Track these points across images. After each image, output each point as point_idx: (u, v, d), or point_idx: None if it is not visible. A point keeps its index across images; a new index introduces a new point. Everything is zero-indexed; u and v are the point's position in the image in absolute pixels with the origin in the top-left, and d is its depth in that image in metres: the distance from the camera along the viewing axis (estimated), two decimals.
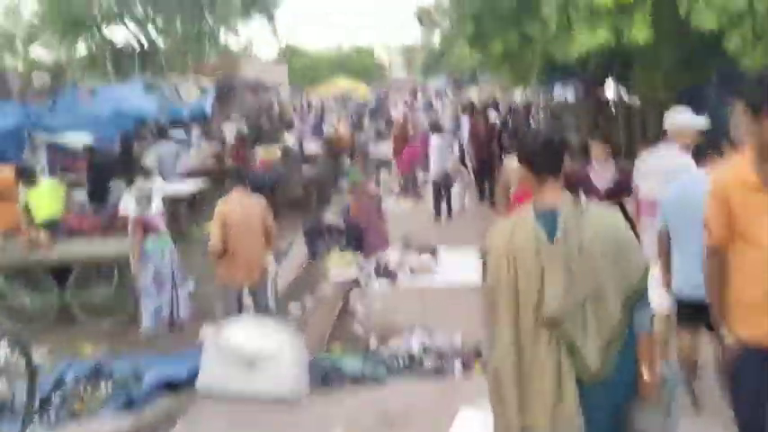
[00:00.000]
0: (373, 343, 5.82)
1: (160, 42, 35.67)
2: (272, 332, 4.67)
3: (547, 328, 2.18)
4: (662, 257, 4.10)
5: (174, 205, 10.77)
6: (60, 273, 7.02)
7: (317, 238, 9.16)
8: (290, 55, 51.19)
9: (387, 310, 6.99)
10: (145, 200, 6.49)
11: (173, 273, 6.56)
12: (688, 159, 4.15)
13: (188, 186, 11.21)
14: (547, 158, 2.30)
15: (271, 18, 37.93)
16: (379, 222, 9.12)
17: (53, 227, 7.95)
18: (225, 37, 38.42)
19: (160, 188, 11.01)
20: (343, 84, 36.31)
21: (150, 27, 35.77)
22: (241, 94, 32.83)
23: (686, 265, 3.79)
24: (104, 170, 10.35)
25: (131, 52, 32.28)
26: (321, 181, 12.21)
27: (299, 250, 9.49)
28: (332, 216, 9.82)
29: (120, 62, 32.87)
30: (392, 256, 8.62)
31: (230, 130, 19.67)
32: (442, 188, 11.18)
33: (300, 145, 13.68)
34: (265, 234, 5.74)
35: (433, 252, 8.58)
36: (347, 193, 10.76)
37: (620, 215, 2.42)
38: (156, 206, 8.71)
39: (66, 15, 31.79)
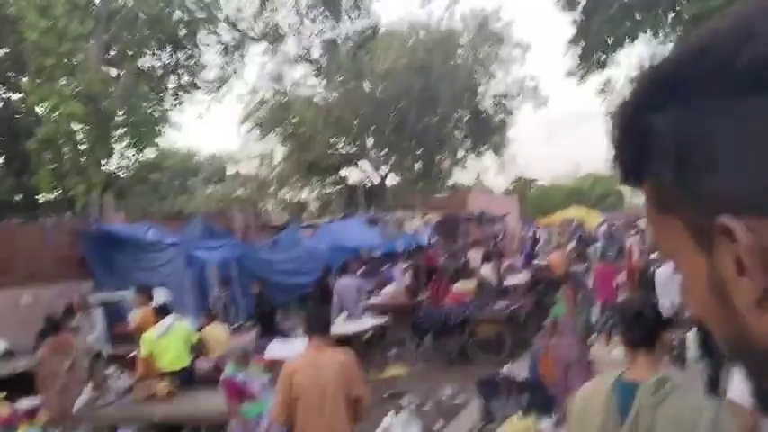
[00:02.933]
0: None
1: (390, 179, 37.05)
2: None
3: None
4: None
5: (348, 344, 9.60)
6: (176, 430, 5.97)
7: (495, 394, 7.21)
8: (521, 186, 50.48)
9: None
10: (241, 357, 5.22)
11: None
12: None
13: (363, 323, 9.99)
14: (639, 331, 2.15)
15: (499, 154, 37.78)
16: (580, 377, 6.92)
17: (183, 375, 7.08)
18: (454, 172, 38.94)
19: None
20: (573, 213, 34.10)
21: (382, 166, 37.46)
22: (465, 227, 32.25)
23: None
24: (273, 306, 9.54)
25: (362, 190, 33.68)
26: (518, 319, 10.24)
27: (472, 410, 7.57)
28: (516, 367, 7.80)
29: (351, 199, 34.40)
30: None
31: (474, 259, 18.41)
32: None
33: (500, 277, 11.95)
34: (351, 406, 4.04)
35: None
36: (543, 335, 8.71)
37: (702, 398, 2.03)
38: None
39: (308, 162, 34.47)
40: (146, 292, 8.15)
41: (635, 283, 10.54)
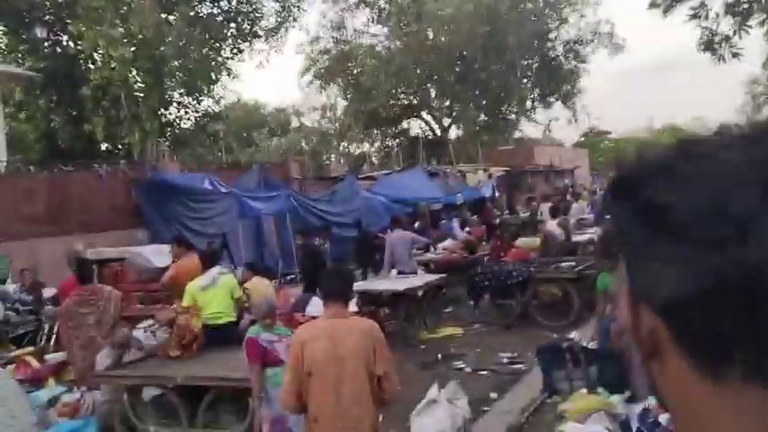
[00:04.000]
0: None
1: (453, 131, 35.90)
2: None
3: None
4: None
5: (398, 302, 8.96)
6: (197, 394, 5.43)
7: (558, 364, 6.43)
8: (592, 138, 48.45)
9: None
10: (267, 314, 4.54)
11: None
12: None
13: (416, 280, 9.31)
14: None
15: (569, 104, 35.92)
16: None
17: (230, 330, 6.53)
18: (521, 124, 37.45)
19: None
20: None
21: (445, 118, 36.28)
22: (531, 181, 30.97)
23: None
24: (318, 258, 8.96)
25: (423, 142, 32.70)
26: (587, 279, 9.32)
27: (532, 379, 6.82)
28: (585, 334, 6.96)
29: (412, 151, 33.58)
30: None
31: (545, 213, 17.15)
32: None
33: (568, 233, 10.99)
34: (374, 385, 3.28)
35: None
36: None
37: None
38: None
39: (368, 113, 33.61)
40: (185, 244, 7.65)
41: None
